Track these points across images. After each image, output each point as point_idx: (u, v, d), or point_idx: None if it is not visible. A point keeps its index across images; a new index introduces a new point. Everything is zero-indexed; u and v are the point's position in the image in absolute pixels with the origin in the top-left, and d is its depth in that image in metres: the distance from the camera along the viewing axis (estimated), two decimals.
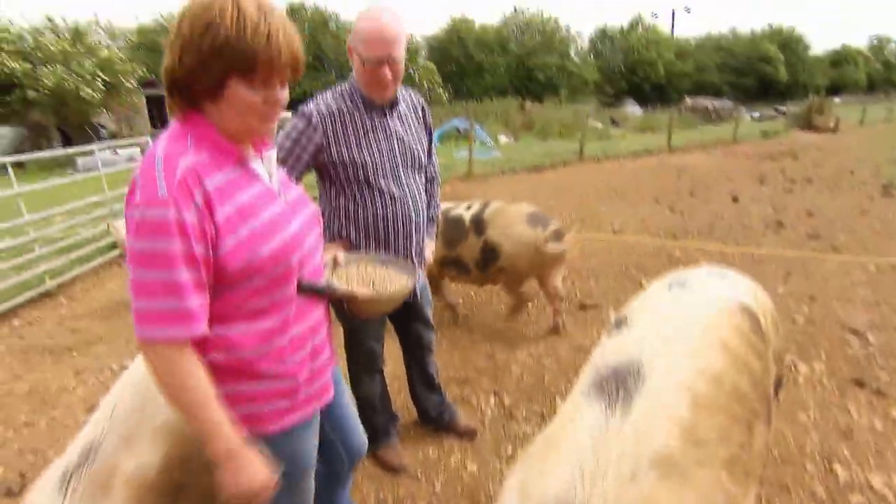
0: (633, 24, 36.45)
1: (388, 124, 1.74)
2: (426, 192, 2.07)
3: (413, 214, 1.81)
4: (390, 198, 1.75)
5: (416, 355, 2.23)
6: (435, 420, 2.38)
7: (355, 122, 1.68)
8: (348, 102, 1.69)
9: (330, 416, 1.36)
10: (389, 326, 2.09)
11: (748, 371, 1.08)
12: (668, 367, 1.01)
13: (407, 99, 1.86)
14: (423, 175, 1.91)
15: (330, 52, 28.13)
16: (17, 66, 15.17)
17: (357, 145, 1.68)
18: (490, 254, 3.06)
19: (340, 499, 1.58)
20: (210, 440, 0.96)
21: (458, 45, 31.16)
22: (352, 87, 1.71)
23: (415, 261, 1.87)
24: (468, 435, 2.37)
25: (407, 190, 1.79)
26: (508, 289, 3.32)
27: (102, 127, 18.61)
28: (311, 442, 1.24)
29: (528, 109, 18.88)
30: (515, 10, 33.25)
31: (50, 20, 17.57)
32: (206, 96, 0.96)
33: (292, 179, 1.64)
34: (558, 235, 3.08)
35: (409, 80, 23.54)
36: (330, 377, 1.26)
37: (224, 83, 0.94)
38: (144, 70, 19.78)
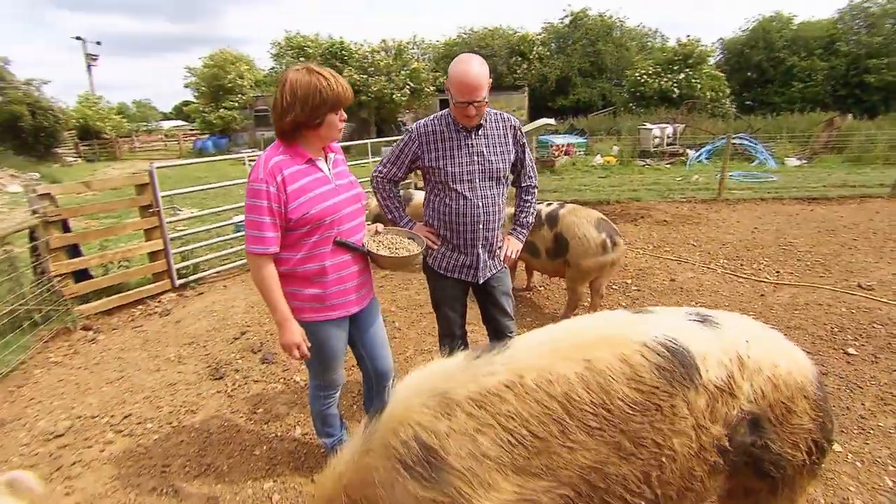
0: None
1: (473, 142, 2.16)
2: (520, 200, 2.41)
3: (481, 214, 2.19)
4: (463, 199, 2.17)
5: (496, 339, 2.57)
6: None
7: (444, 140, 2.16)
8: (443, 124, 2.18)
9: (362, 335, 1.99)
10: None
11: (598, 392, 1.14)
12: (522, 350, 1.23)
13: (499, 121, 2.23)
14: (501, 185, 2.25)
15: (609, 61, 27.89)
16: (358, 77, 20.48)
17: (442, 157, 2.16)
18: (560, 245, 3.67)
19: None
20: (273, 313, 1.75)
21: (763, 47, 26.57)
22: (448, 113, 2.20)
23: (480, 252, 2.26)
24: None
25: (479, 194, 2.18)
26: (570, 285, 3.81)
27: (403, 123, 23.37)
28: (335, 338, 1.88)
29: (836, 125, 15.00)
30: None
31: (383, 41, 22.88)
32: (312, 127, 1.70)
33: (399, 174, 2.27)
34: (615, 243, 3.59)
35: (689, 89, 21.55)
36: (356, 299, 1.89)
37: (326, 117, 1.68)
38: (443, 78, 23.78)
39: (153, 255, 4.76)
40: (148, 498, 2.22)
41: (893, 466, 2.25)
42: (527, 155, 2.34)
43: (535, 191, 2.43)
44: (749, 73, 27.20)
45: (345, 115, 1.75)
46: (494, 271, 2.36)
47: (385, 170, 2.30)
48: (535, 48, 27.83)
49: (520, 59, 28.39)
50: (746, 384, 1.21)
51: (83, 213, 5.45)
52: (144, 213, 4.65)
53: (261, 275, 1.71)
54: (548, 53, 28.46)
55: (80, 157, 24.81)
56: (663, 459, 1.15)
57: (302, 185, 1.70)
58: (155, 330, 4.10)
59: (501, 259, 2.37)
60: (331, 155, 1.85)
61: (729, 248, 5.86)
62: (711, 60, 24.68)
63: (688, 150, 14.91)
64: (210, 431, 2.68)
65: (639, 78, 22.51)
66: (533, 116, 22.88)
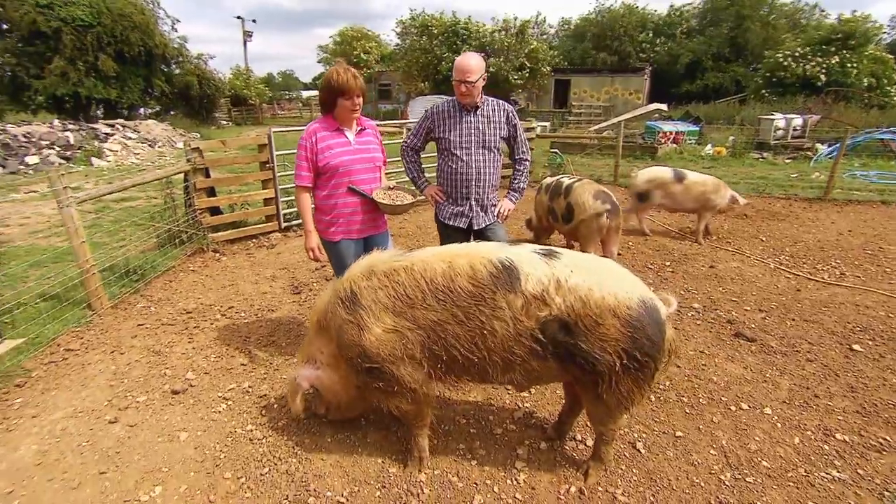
0: None
1: (471, 119, 2.80)
2: (514, 170, 3.02)
3: (473, 173, 2.82)
4: (460, 161, 2.82)
5: None
6: None
7: (449, 117, 2.82)
8: (450, 106, 2.84)
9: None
10: None
11: (448, 280, 1.81)
12: (423, 252, 1.95)
13: (494, 105, 2.85)
14: (492, 152, 2.86)
15: (754, 41, 25.11)
16: None
17: (448, 129, 2.82)
18: (570, 211, 4.52)
19: None
20: (304, 225, 2.61)
21: None
22: (454, 98, 2.85)
23: (473, 203, 2.89)
24: None
25: (473, 159, 2.82)
26: (581, 248, 4.48)
27: (516, 103, 23.59)
28: (343, 255, 2.68)
29: None
30: None
31: (504, 20, 23.06)
32: (332, 107, 2.51)
33: (418, 143, 2.98)
34: (613, 212, 4.31)
35: (842, 75, 18.84)
36: (359, 229, 2.68)
37: (336, 100, 2.46)
38: (560, 58, 23.41)
39: (267, 202, 6.04)
40: (234, 351, 3.32)
41: (811, 431, 2.52)
42: (519, 133, 2.92)
43: (527, 163, 3.01)
44: None
45: (358, 103, 2.50)
46: (488, 223, 2.98)
47: (409, 141, 3.02)
48: (680, 26, 25.97)
49: (651, 34, 26.70)
50: (559, 298, 1.75)
51: (220, 164, 6.92)
52: (262, 167, 5.91)
53: (298, 198, 2.65)
54: (685, 33, 26.47)
55: (231, 121, 28.94)
56: (485, 332, 1.78)
57: (327, 144, 2.56)
58: (261, 257, 5.34)
59: (496, 214, 2.99)
60: (358, 128, 2.66)
61: (800, 247, 5.68)
62: (887, 38, 21.11)
63: (818, 145, 13.42)
64: (281, 323, 3.74)
65: (780, 60, 20.07)
66: (650, 101, 21.72)
